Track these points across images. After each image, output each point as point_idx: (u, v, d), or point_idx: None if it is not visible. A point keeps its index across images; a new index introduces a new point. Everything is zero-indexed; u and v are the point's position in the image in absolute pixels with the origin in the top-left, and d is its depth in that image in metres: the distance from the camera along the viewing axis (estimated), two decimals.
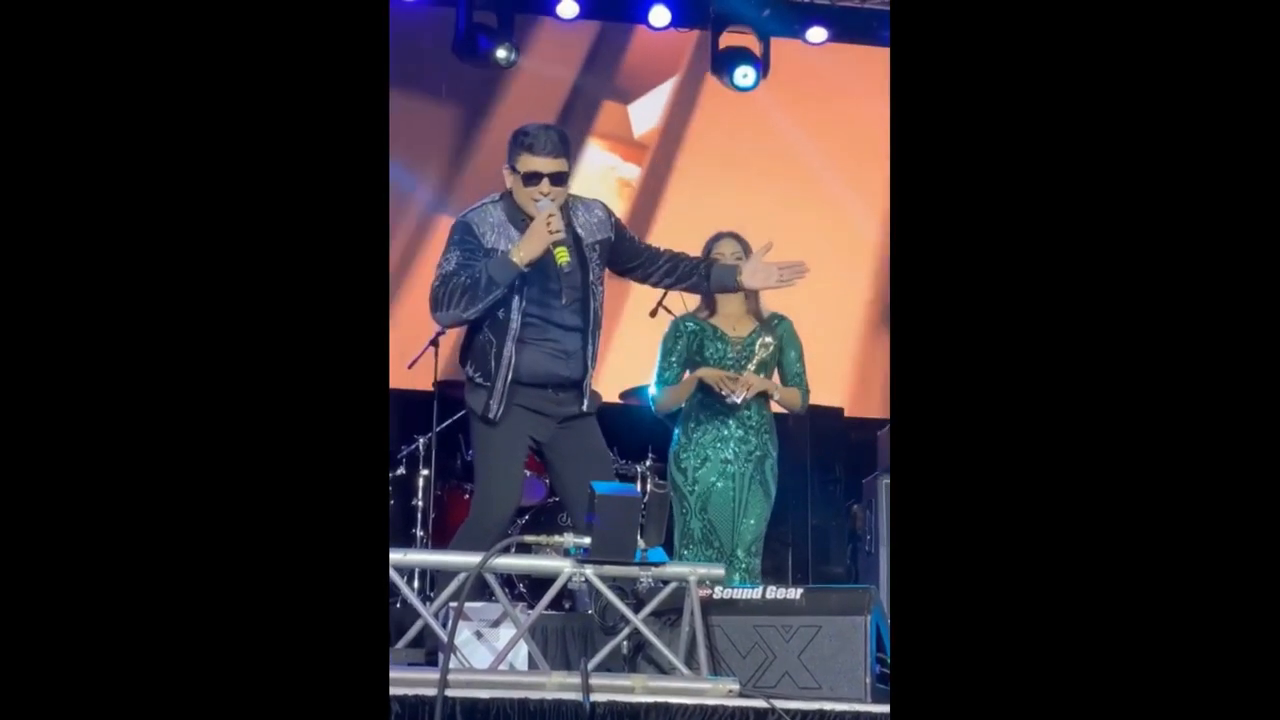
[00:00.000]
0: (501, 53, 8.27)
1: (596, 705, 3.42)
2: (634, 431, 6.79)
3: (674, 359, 5.29)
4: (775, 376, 5.35)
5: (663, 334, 5.44)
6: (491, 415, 4.36)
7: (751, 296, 5.24)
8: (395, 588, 3.80)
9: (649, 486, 6.66)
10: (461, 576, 3.73)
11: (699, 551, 5.15)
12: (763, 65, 8.68)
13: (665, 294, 6.80)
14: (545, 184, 4.30)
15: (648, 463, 6.83)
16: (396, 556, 3.75)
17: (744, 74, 8.52)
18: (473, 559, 3.75)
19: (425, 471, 6.82)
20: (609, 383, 7.81)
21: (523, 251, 4.23)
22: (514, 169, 4.36)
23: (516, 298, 4.33)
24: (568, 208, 4.42)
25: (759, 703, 3.53)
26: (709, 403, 5.23)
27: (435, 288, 4.33)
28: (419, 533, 6.69)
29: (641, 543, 3.82)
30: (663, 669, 3.80)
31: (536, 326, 4.38)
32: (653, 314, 6.73)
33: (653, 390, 5.35)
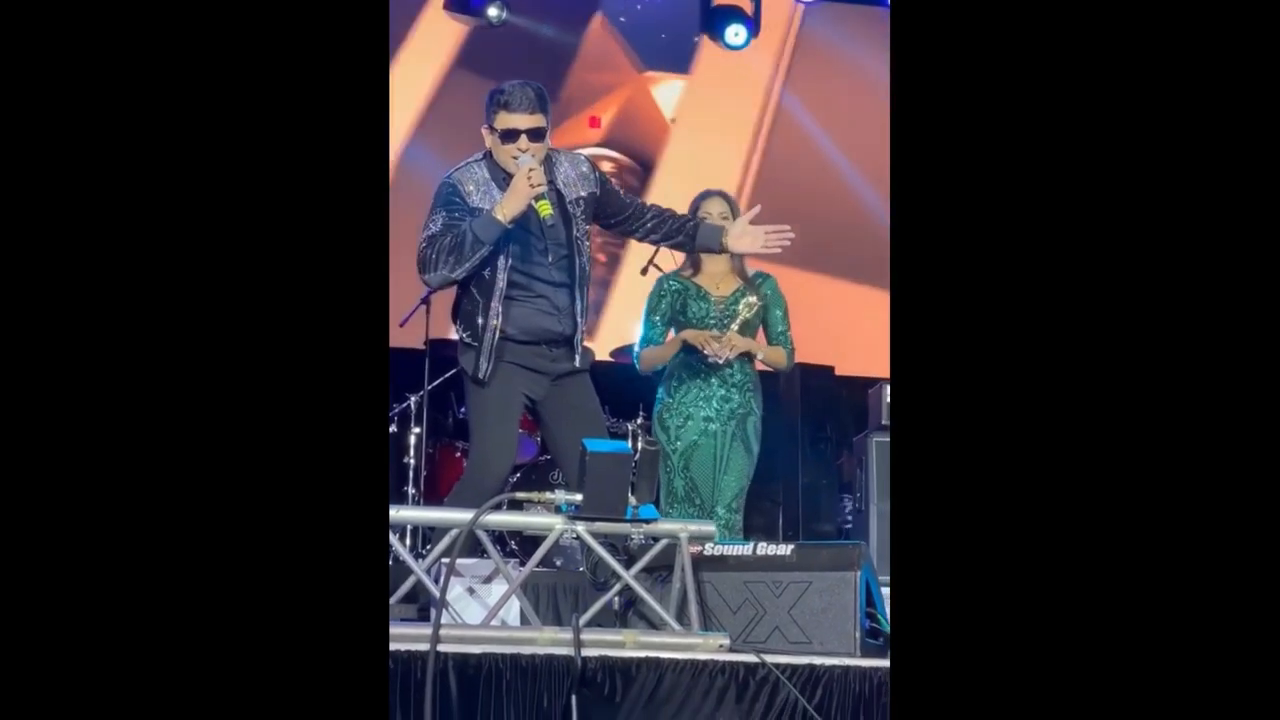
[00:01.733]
0: (493, 11, 8.25)
1: (588, 660, 3.45)
2: (624, 389, 6.78)
3: (658, 318, 5.30)
4: (760, 335, 5.36)
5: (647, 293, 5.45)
6: (481, 375, 4.37)
7: (736, 255, 5.24)
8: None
9: (639, 444, 6.68)
10: (453, 533, 3.75)
11: (682, 509, 5.18)
12: (754, 24, 8.65)
13: (656, 251, 6.81)
14: (523, 140, 4.30)
15: (638, 420, 6.84)
16: (390, 513, 3.77)
17: (735, 32, 8.50)
18: (465, 515, 3.76)
19: (417, 429, 6.84)
20: (602, 341, 7.85)
21: (505, 208, 4.22)
22: (492, 128, 4.36)
23: (501, 257, 4.33)
24: (550, 162, 4.41)
25: (749, 657, 3.56)
26: (692, 362, 5.25)
27: (422, 249, 4.33)
28: (411, 490, 6.71)
29: (633, 500, 3.83)
30: (654, 625, 3.82)
31: (523, 285, 4.39)
32: (644, 272, 6.74)
33: (636, 349, 5.36)
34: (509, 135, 4.31)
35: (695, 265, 5.32)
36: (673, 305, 5.29)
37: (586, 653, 3.46)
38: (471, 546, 3.87)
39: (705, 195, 5.35)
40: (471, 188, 4.35)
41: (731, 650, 3.64)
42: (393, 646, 3.32)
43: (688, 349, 5.22)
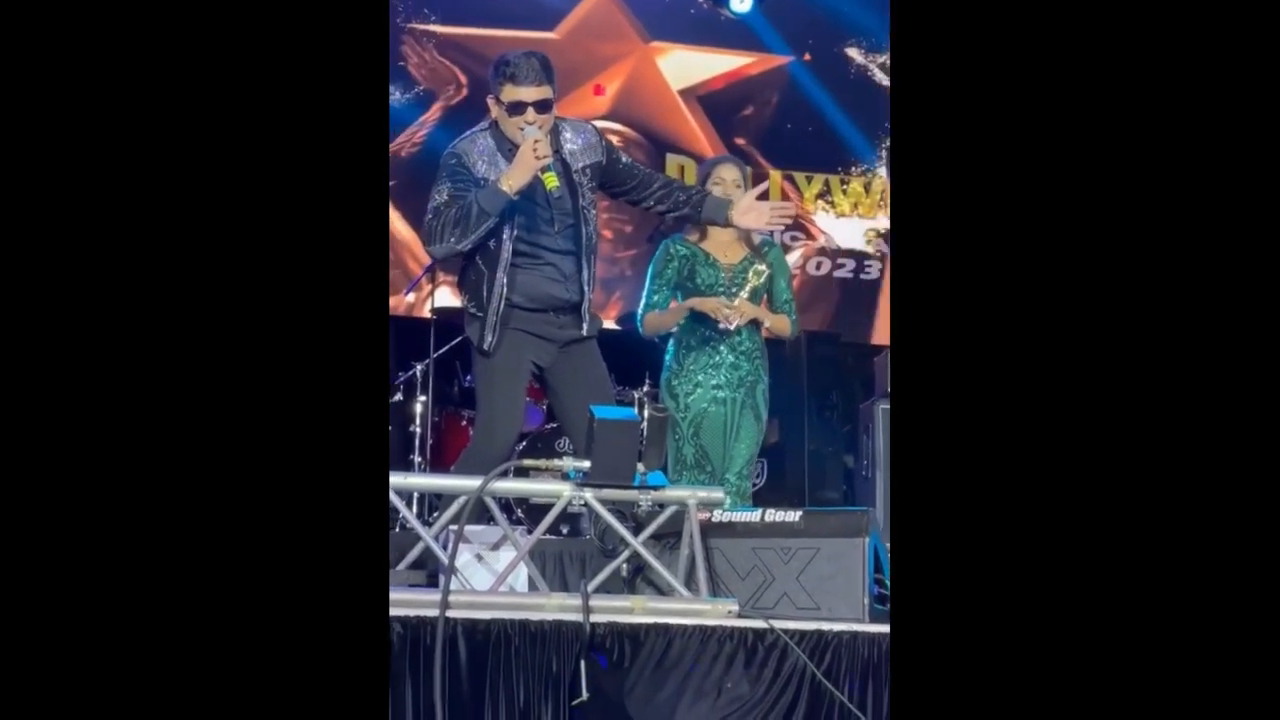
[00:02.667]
0: None
1: (596, 626, 3.47)
2: (632, 356, 6.80)
3: (663, 282, 5.29)
4: (764, 302, 5.36)
5: (652, 256, 5.44)
6: (486, 346, 4.37)
7: None
8: (396, 511, 3.82)
9: (647, 411, 6.68)
10: (461, 500, 3.75)
11: (691, 476, 5.18)
12: None
13: (662, 220, 6.81)
14: (530, 113, 4.30)
15: (645, 388, 6.85)
16: (397, 480, 3.77)
17: (739, 0, 8.51)
18: (473, 483, 3.77)
19: (423, 398, 6.84)
20: (610, 309, 7.85)
21: (511, 179, 4.22)
22: (499, 99, 4.35)
23: (507, 227, 4.33)
24: (556, 131, 4.41)
25: (758, 623, 3.57)
26: (700, 329, 5.24)
27: (428, 220, 4.33)
28: (417, 458, 6.72)
29: (640, 467, 3.84)
30: (662, 591, 3.83)
31: (529, 253, 4.39)
32: (651, 239, 6.74)
33: (640, 312, 5.36)
34: (516, 108, 4.30)
35: (702, 231, 5.31)
36: (679, 271, 5.28)
37: (595, 618, 3.48)
38: (479, 513, 3.87)
39: (718, 160, 5.35)
40: (477, 158, 4.34)
41: (740, 616, 3.64)
42: (402, 612, 3.34)
43: (695, 316, 5.21)
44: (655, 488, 3.86)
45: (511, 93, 4.31)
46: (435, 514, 4.09)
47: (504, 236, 4.33)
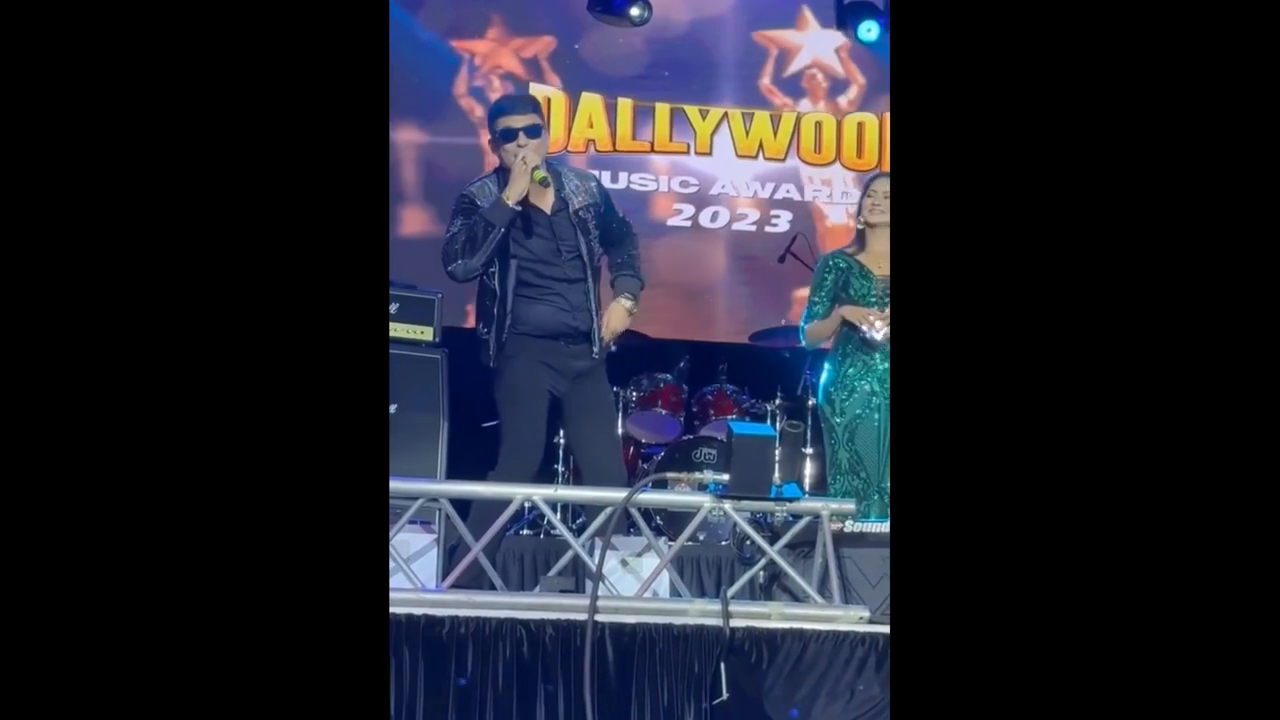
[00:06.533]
0: (635, 10, 8.11)
1: (736, 631, 3.65)
2: (763, 372, 6.97)
3: (823, 294, 5.41)
4: None
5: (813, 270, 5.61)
6: (492, 364, 4.68)
7: None
8: (547, 521, 4.04)
9: (780, 426, 6.85)
10: (608, 510, 3.97)
11: (846, 481, 5.23)
12: (888, 19, 8.61)
13: (793, 241, 7.01)
14: (521, 137, 4.66)
15: (777, 401, 6.98)
16: (546, 492, 4.01)
17: (868, 29, 8.51)
18: (618, 494, 3.99)
19: None
20: (740, 326, 7.97)
21: (509, 191, 4.59)
22: (495, 134, 4.74)
23: (513, 259, 4.66)
24: (559, 174, 4.78)
25: (888, 629, 3.68)
26: (855, 338, 5.34)
27: (445, 250, 4.68)
28: (560, 469, 6.91)
29: (777, 478, 4.01)
30: (797, 597, 3.99)
31: (535, 283, 4.70)
32: (781, 260, 6.94)
33: (803, 324, 5.50)
34: (507, 134, 4.68)
35: (861, 243, 5.45)
36: (836, 282, 5.39)
37: (734, 623, 3.65)
38: (623, 523, 4.06)
39: (877, 176, 5.52)
40: (482, 201, 4.69)
41: (871, 622, 3.79)
42: (554, 616, 3.56)
43: (849, 326, 5.38)
44: (790, 499, 4.04)
45: (503, 122, 4.71)
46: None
47: (510, 267, 4.67)
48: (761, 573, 4.15)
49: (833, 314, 5.35)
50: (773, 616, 3.75)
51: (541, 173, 4.60)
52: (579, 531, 4.42)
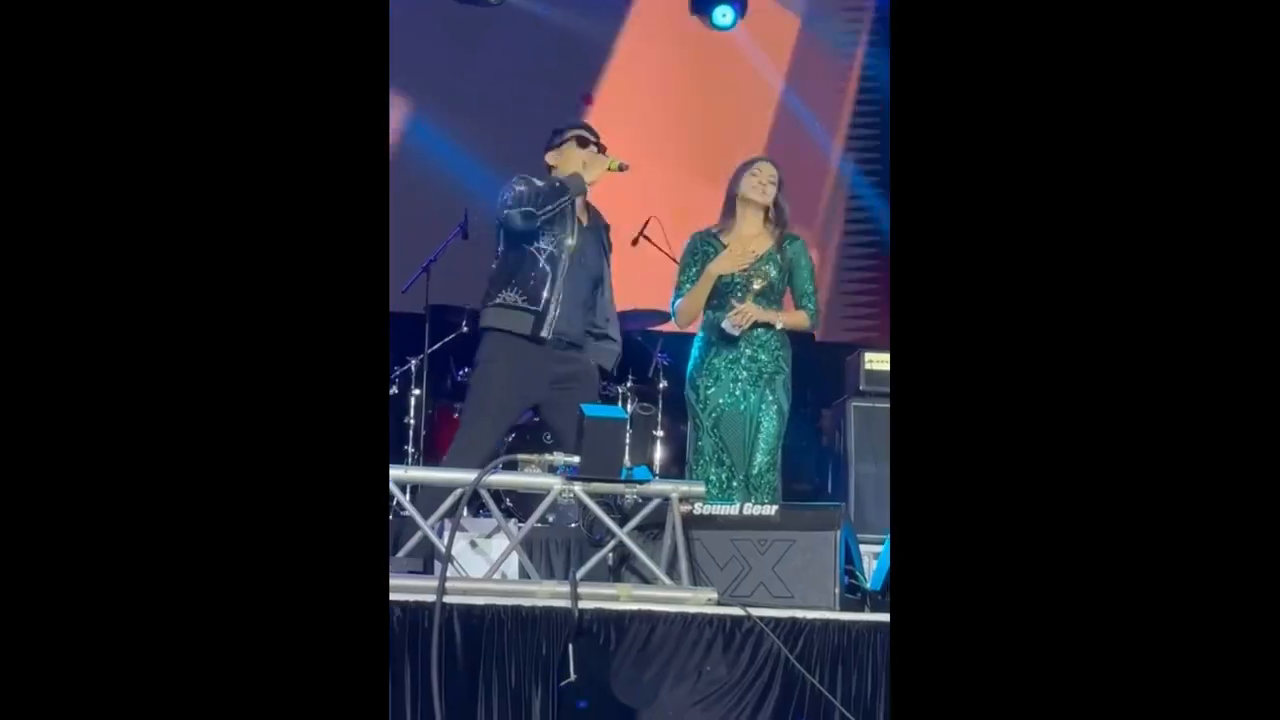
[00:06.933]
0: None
1: (584, 612, 3.65)
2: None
3: (692, 273, 5.44)
4: (788, 296, 5.49)
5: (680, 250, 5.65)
6: (544, 333, 4.84)
7: (775, 211, 5.46)
8: (397, 502, 4.02)
9: (631, 407, 6.87)
10: (458, 491, 3.95)
11: (708, 469, 5.29)
12: (741, 5, 8.67)
13: (646, 223, 7.02)
14: (593, 148, 5.11)
15: (628, 384, 7.01)
16: (397, 473, 3.97)
17: (723, 13, 8.55)
18: (468, 475, 3.97)
19: (417, 391, 7.01)
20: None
21: (589, 172, 4.99)
22: (563, 140, 5.13)
23: (564, 255, 4.92)
24: (592, 210, 5.15)
25: (736, 611, 3.76)
26: (718, 326, 5.38)
27: (514, 197, 4.85)
28: (410, 449, 6.89)
29: (627, 461, 4.03)
30: (646, 579, 4.02)
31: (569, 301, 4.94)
32: (634, 243, 6.94)
33: (673, 307, 5.52)
34: (582, 141, 5.09)
35: (729, 221, 5.48)
36: (703, 263, 5.41)
37: (583, 605, 3.66)
38: (471, 505, 4.06)
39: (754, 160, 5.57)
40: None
41: (719, 604, 3.82)
42: (401, 597, 3.52)
43: (708, 324, 5.39)
44: (640, 481, 4.05)
45: (576, 132, 5.12)
46: (416, 503, 4.27)
47: (555, 274, 4.87)
48: (611, 555, 4.17)
49: (700, 282, 5.35)
50: (621, 598, 3.77)
51: (616, 162, 4.99)
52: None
